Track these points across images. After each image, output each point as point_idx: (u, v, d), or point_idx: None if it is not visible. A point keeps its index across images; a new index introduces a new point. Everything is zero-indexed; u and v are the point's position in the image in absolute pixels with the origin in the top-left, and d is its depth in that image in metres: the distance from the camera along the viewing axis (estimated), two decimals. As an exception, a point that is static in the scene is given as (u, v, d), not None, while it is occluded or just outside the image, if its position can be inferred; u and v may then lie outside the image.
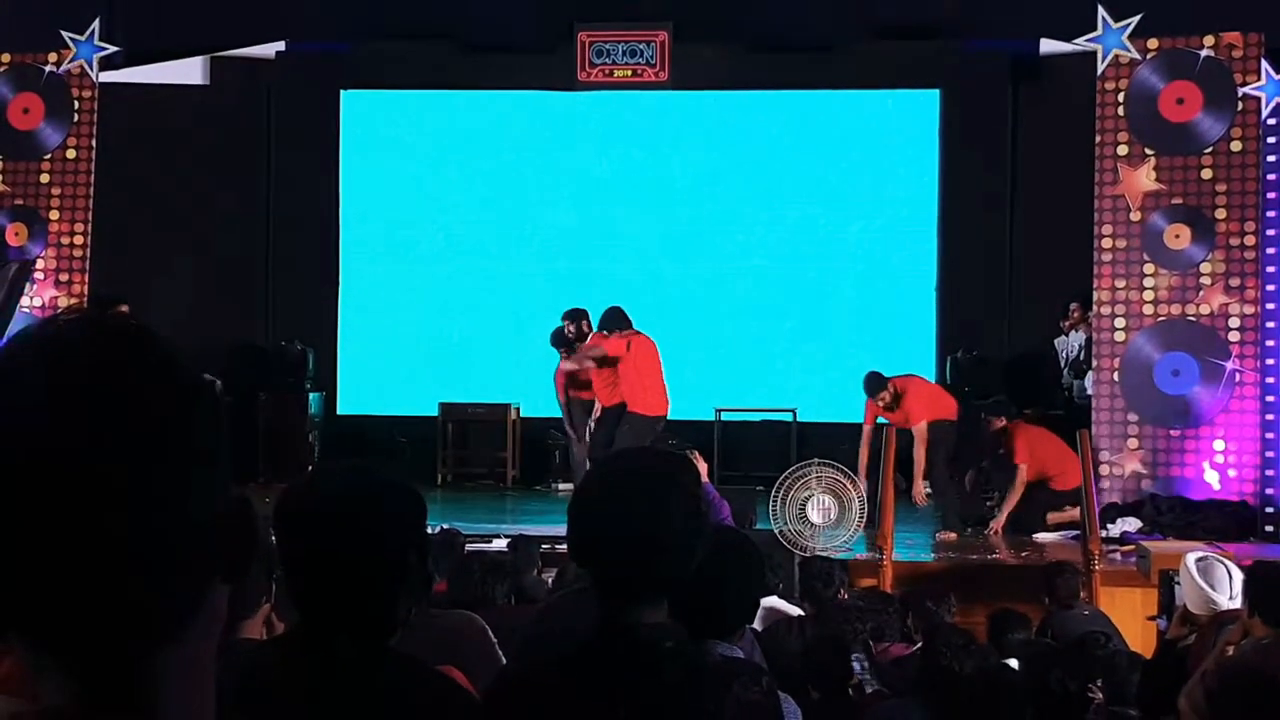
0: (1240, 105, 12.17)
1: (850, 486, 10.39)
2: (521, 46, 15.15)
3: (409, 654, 2.44)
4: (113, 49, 14.10)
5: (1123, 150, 12.39)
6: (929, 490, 12.16)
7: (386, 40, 15.15)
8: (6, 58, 14.07)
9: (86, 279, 13.99)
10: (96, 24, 13.94)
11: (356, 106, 15.56)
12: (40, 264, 13.86)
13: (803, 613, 7.15)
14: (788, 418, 14.51)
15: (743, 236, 15.18)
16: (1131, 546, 10.75)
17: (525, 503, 13.69)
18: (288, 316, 15.22)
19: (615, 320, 11.88)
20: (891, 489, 9.99)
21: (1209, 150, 12.23)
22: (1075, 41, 12.86)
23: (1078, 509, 10.48)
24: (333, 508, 2.39)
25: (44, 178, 14.02)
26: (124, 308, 11.78)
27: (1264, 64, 12.14)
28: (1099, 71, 12.46)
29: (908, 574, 9.68)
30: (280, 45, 15.32)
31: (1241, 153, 12.17)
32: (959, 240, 14.79)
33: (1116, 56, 12.43)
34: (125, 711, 1.12)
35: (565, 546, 2.80)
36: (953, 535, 11.67)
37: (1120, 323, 12.35)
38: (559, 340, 12.19)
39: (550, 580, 7.65)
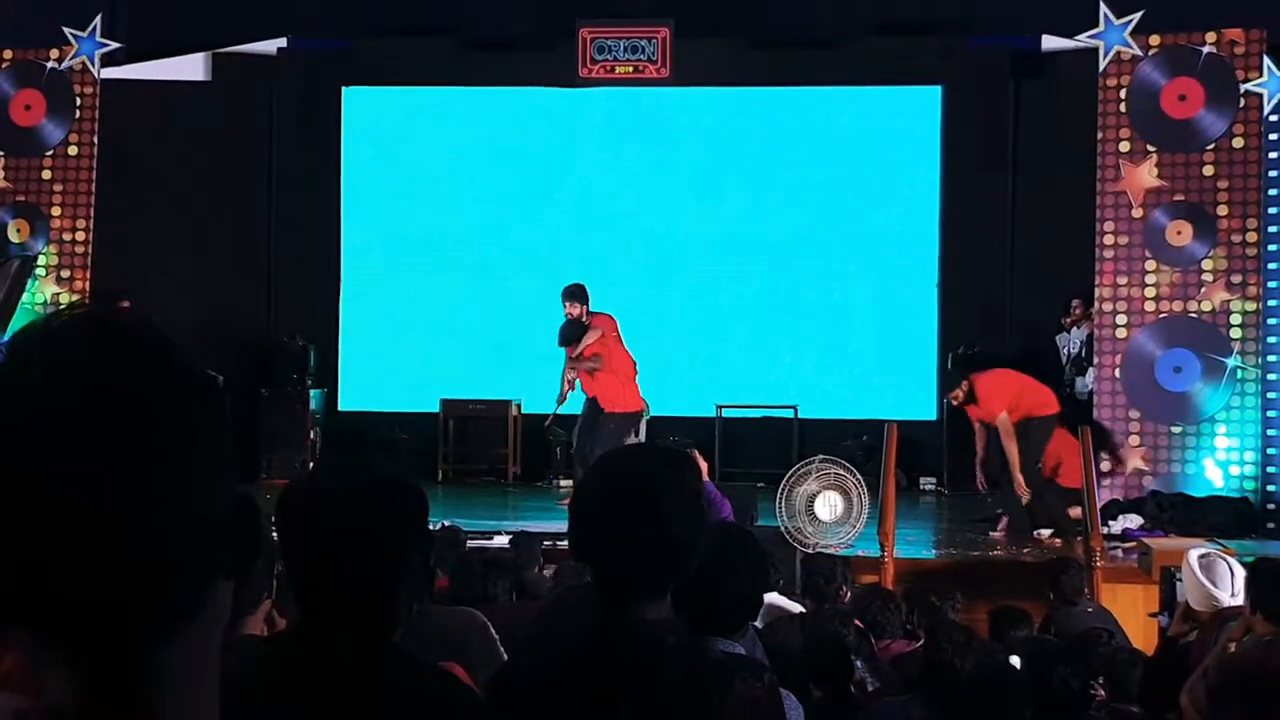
0: (1242, 102, 12.17)
1: (855, 483, 10.40)
2: (523, 43, 15.15)
3: (410, 650, 2.44)
4: (115, 45, 14.12)
5: (1124, 147, 12.39)
6: (1049, 534, 11.43)
7: (388, 37, 15.15)
8: (9, 54, 14.08)
9: (88, 275, 14.01)
10: (98, 20, 13.95)
11: (358, 103, 15.57)
12: (42, 260, 13.88)
13: (804, 609, 7.14)
14: (789, 414, 14.52)
15: (744, 232, 15.18)
16: (1133, 543, 10.75)
17: (526, 499, 13.69)
18: (289, 313, 15.21)
19: (581, 330, 11.94)
20: (893, 486, 9.99)
21: (1211, 147, 12.24)
22: (1077, 38, 12.86)
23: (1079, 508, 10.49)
24: (334, 504, 2.39)
25: (46, 174, 14.04)
26: (125, 303, 11.79)
27: (1266, 60, 12.14)
28: (1101, 68, 12.47)
29: (909, 571, 9.68)
30: (282, 42, 15.31)
31: (1243, 149, 12.17)
32: (960, 236, 14.78)
33: (1118, 53, 12.43)
34: (128, 708, 1.12)
35: (566, 543, 2.80)
36: (1045, 532, 11.36)
37: (1122, 319, 12.35)
38: (566, 339, 12.16)
39: (550, 576, 7.65)
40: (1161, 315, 12.28)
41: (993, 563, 10.41)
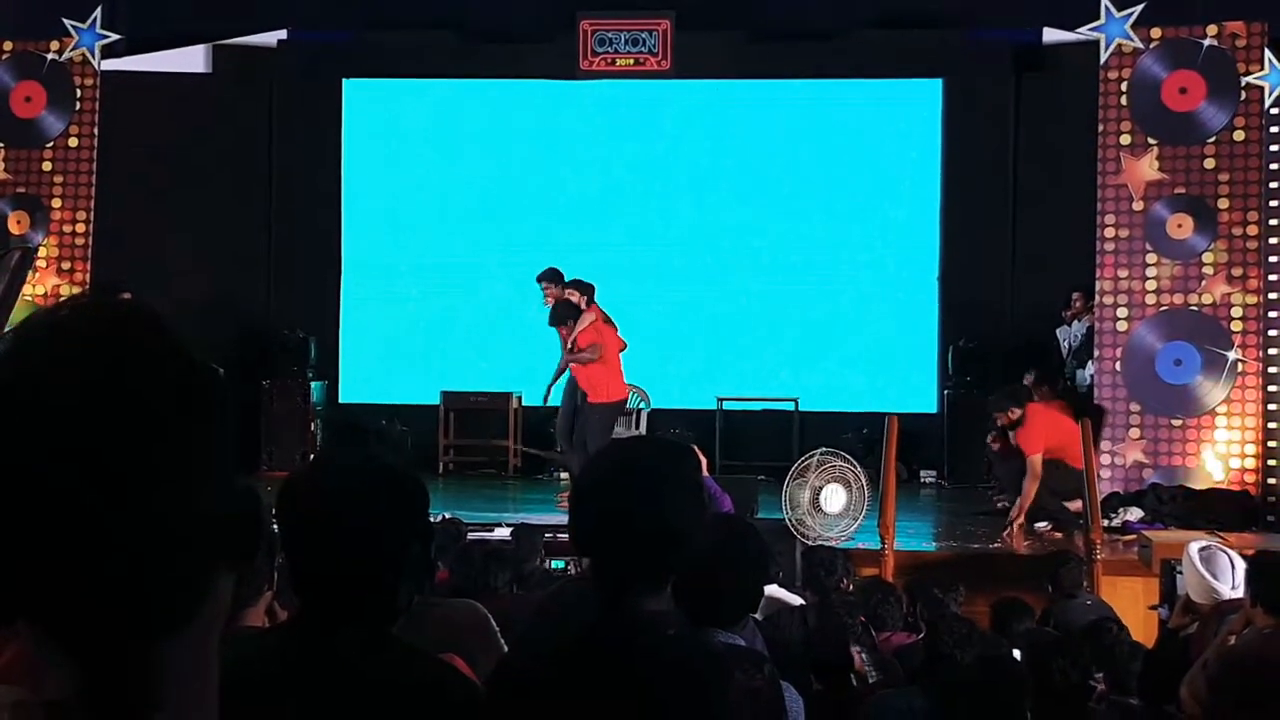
0: (1243, 95, 12.16)
1: (856, 476, 10.42)
2: (523, 35, 15.14)
3: (411, 642, 2.44)
4: (115, 37, 14.10)
5: (1125, 140, 12.38)
6: (1047, 526, 11.34)
7: (388, 29, 15.14)
8: (9, 45, 14.06)
9: (88, 267, 14.00)
10: (99, 12, 13.93)
11: (358, 95, 15.56)
12: (42, 252, 13.87)
13: (803, 601, 7.14)
14: (789, 407, 14.52)
15: (744, 225, 15.17)
16: (1134, 536, 10.75)
17: (526, 491, 13.69)
18: (289, 305, 15.22)
19: (573, 310, 11.88)
20: (894, 478, 9.99)
21: (1212, 140, 12.22)
22: (1078, 31, 12.84)
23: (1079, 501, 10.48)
24: (335, 496, 2.39)
25: (46, 166, 14.02)
26: (126, 295, 11.78)
27: (1267, 53, 12.13)
28: (1102, 61, 12.45)
29: (909, 563, 9.68)
30: (282, 34, 15.30)
31: (1244, 142, 12.16)
32: (961, 229, 14.78)
33: (1119, 46, 12.42)
34: (128, 701, 1.12)
35: (567, 535, 2.80)
36: (1045, 525, 11.29)
37: (1123, 312, 12.34)
38: (559, 318, 12.09)
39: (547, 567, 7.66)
40: (1162, 308, 12.27)
41: (993, 555, 10.42)
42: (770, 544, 5.78)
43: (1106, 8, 12.39)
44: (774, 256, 15.13)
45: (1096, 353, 12.54)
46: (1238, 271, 12.11)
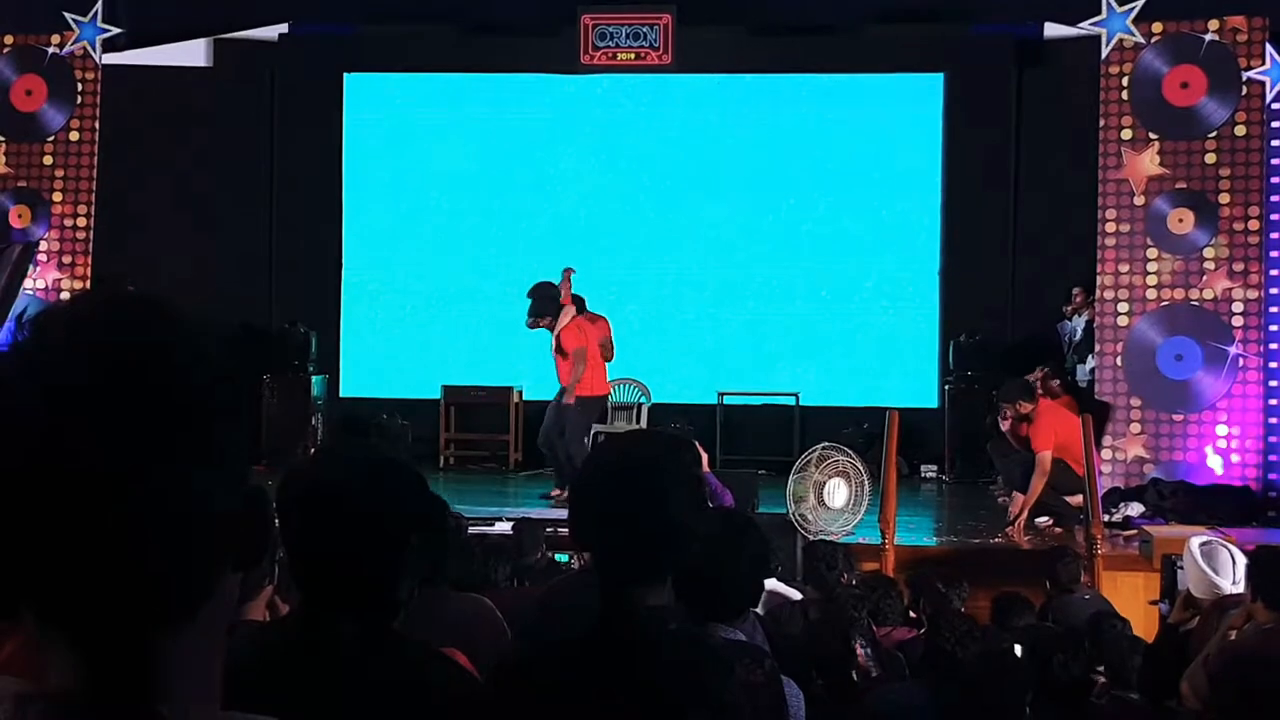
0: (1244, 89, 12.16)
1: (856, 470, 10.42)
2: (524, 29, 15.12)
3: (411, 635, 2.44)
4: (116, 31, 14.10)
5: (1126, 134, 12.38)
6: (1048, 521, 11.31)
7: (390, 23, 15.13)
8: (10, 39, 14.06)
9: (89, 261, 14.01)
10: (99, 5, 13.94)
11: (359, 89, 15.55)
12: (43, 246, 13.87)
13: (803, 596, 7.14)
14: (790, 401, 14.52)
15: (746, 219, 15.17)
16: (1134, 531, 10.76)
17: (527, 486, 13.68)
18: (291, 299, 15.21)
19: (552, 304, 11.92)
20: (894, 473, 9.99)
21: (1213, 135, 12.23)
22: (1079, 25, 12.84)
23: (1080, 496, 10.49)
24: (335, 490, 2.39)
25: (47, 159, 14.03)
26: (130, 288, 11.78)
27: (1269, 48, 12.13)
28: (1103, 55, 12.45)
29: (910, 558, 9.69)
30: (283, 27, 15.29)
31: (1245, 137, 12.16)
32: (962, 224, 14.77)
33: (1120, 40, 12.42)
34: (131, 694, 1.12)
35: (568, 530, 2.80)
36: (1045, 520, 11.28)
37: (1123, 307, 12.35)
38: (536, 314, 12.15)
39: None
40: (1163, 303, 12.27)
41: (992, 550, 10.42)
42: (771, 538, 5.79)
43: (1108, 3, 12.38)
44: (774, 251, 15.12)
45: (1097, 348, 12.54)
46: (1239, 266, 12.12)
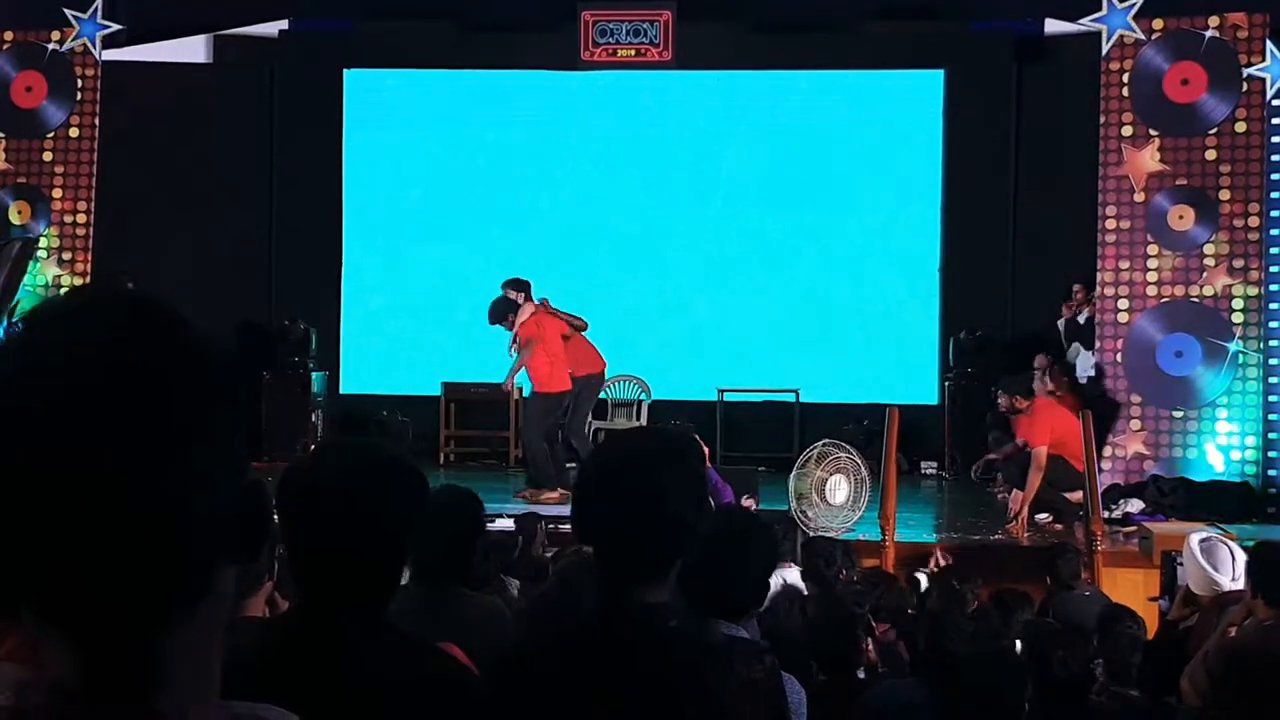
0: (1245, 86, 12.16)
1: (857, 467, 10.42)
2: (524, 26, 15.12)
3: (409, 631, 2.45)
4: (116, 27, 14.10)
5: (1127, 131, 12.38)
6: (1048, 518, 11.31)
7: (390, 19, 15.12)
8: (10, 36, 14.06)
9: (89, 257, 14.01)
10: (99, 2, 13.94)
11: (359, 85, 15.54)
12: (43, 242, 13.87)
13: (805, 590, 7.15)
14: (790, 398, 14.52)
15: (745, 216, 15.16)
16: (1134, 527, 10.76)
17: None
18: (291, 296, 15.19)
19: (510, 306, 12.12)
20: (894, 470, 9.99)
21: (1213, 131, 12.22)
22: (1080, 22, 12.84)
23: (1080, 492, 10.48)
24: (335, 486, 2.39)
25: (47, 156, 14.02)
26: (130, 285, 11.78)
27: (1269, 45, 12.12)
28: (1103, 52, 12.44)
29: (910, 555, 9.68)
30: (283, 24, 15.29)
31: (1246, 134, 12.16)
32: (962, 221, 14.76)
33: (1121, 37, 12.41)
34: (129, 688, 1.12)
35: (569, 525, 2.80)
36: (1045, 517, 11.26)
37: (1124, 304, 12.35)
38: (497, 316, 12.26)
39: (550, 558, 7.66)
40: (1163, 300, 12.27)
41: (992, 547, 10.42)
42: (773, 523, 5.78)
43: (1108, -1, 12.38)
44: (774, 247, 15.11)
45: (1098, 344, 12.55)
46: (1239, 263, 12.12)
